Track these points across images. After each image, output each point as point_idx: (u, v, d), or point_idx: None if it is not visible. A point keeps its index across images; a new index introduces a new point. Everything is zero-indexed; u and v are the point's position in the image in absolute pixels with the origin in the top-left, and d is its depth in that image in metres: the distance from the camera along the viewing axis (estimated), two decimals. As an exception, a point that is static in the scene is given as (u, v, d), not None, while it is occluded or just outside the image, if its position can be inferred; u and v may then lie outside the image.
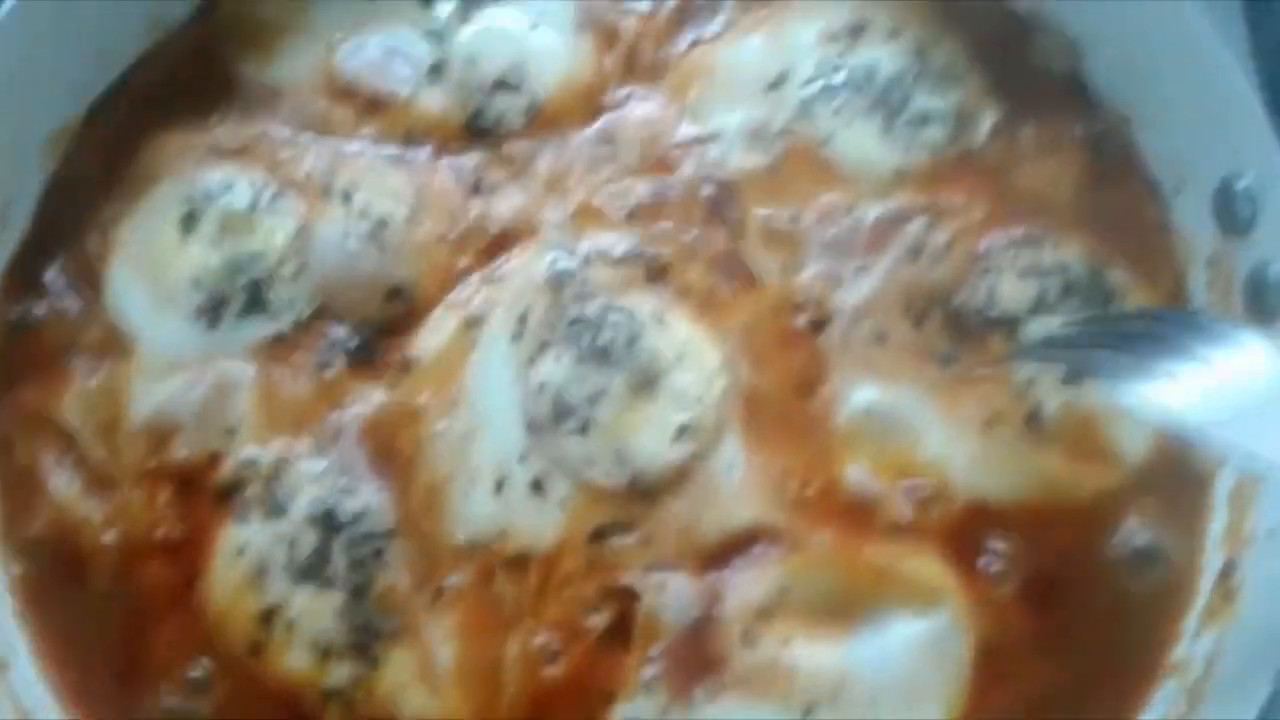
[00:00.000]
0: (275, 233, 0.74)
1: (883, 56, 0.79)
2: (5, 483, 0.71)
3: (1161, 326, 0.66)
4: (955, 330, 0.73)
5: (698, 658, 0.67)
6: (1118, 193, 0.75)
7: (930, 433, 0.71)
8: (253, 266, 0.73)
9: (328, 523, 0.68)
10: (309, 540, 0.68)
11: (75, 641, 0.69)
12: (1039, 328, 0.72)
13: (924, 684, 0.67)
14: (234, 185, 0.75)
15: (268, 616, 0.67)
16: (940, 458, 0.71)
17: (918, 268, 0.75)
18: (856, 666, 0.67)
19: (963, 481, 0.70)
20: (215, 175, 0.76)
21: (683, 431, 0.70)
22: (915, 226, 0.75)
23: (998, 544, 0.70)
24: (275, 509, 0.69)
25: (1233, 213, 0.72)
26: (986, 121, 0.79)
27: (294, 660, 0.67)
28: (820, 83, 0.78)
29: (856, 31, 0.80)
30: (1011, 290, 0.73)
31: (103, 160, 0.77)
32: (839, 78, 0.78)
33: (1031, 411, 0.71)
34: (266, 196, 0.75)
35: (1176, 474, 0.71)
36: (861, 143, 0.77)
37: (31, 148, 0.75)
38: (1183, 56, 0.73)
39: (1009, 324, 0.73)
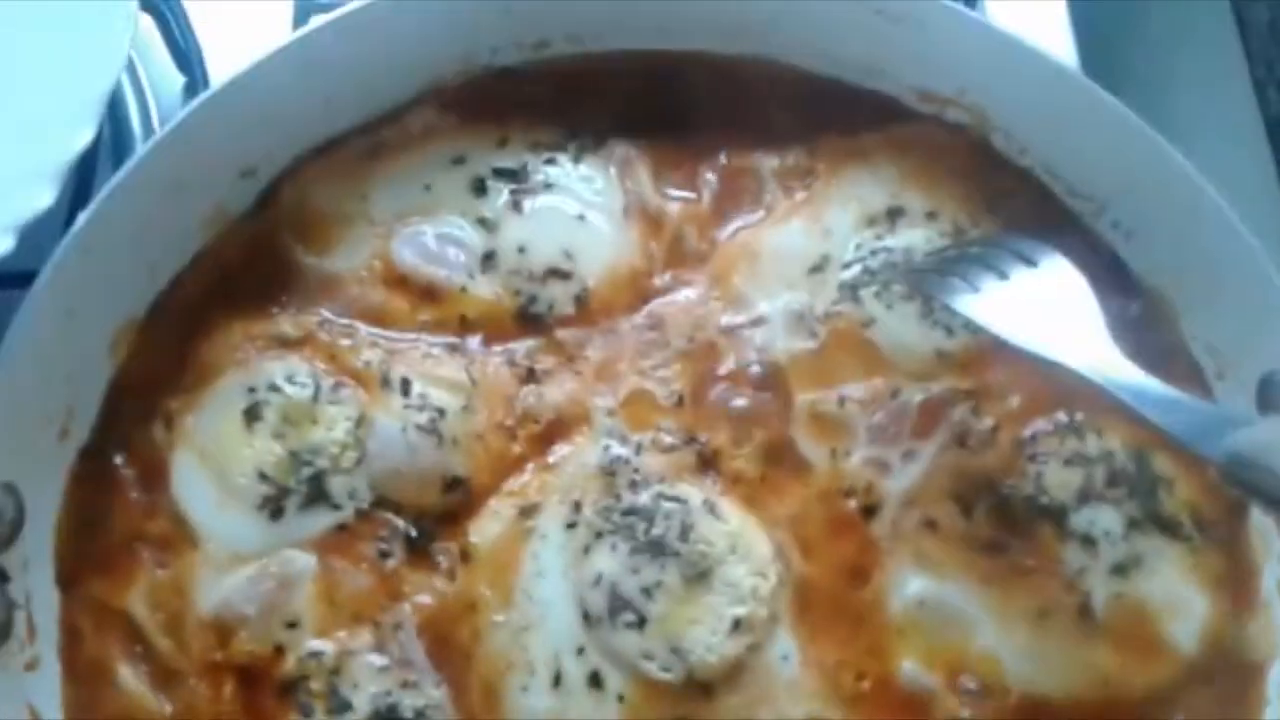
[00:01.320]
0: (336, 424, 0.76)
1: (920, 239, 0.82)
2: (75, 674, 0.72)
3: (988, 251, 0.76)
4: (1004, 519, 0.74)
5: None
6: (1159, 376, 0.77)
7: (982, 625, 0.72)
8: (315, 458, 0.75)
9: (389, 717, 0.70)
10: (372, 737, 0.70)
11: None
12: (1088, 517, 0.73)
13: None
14: (296, 376, 0.77)
15: (331, 818, 0.68)
16: (993, 651, 0.72)
17: (964, 453, 0.76)
18: None
19: (1016, 675, 0.71)
20: (278, 366, 0.78)
21: (738, 625, 0.71)
22: (960, 411, 0.77)
23: (1053, 739, 0.70)
24: (339, 705, 0.70)
25: (1276, 403, 0.74)
26: (1027, 303, 0.82)
27: None
28: (860, 266, 0.81)
29: (894, 214, 0.83)
30: (1058, 478, 0.74)
31: (167, 352, 0.80)
32: (877, 261, 0.81)
33: (1082, 603, 0.71)
34: (327, 387, 0.77)
35: (1229, 666, 0.72)
36: (903, 325, 0.79)
37: (98, 344, 0.77)
38: (1226, 250, 0.75)
39: (1057, 513, 0.74)
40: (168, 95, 1.09)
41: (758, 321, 0.80)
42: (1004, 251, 0.76)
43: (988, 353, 0.78)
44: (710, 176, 0.85)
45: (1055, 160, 0.84)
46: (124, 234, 0.77)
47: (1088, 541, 0.73)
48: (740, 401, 0.78)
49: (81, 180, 0.93)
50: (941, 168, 0.85)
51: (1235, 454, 0.61)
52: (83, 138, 0.87)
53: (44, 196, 0.85)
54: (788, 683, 0.71)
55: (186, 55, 1.06)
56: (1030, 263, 0.75)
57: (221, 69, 1.09)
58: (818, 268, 0.81)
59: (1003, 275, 0.75)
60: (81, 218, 0.72)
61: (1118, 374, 0.69)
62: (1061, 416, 0.76)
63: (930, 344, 0.78)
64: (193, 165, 0.79)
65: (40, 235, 0.89)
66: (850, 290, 0.79)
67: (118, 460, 0.77)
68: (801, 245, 0.82)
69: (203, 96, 0.78)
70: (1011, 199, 0.85)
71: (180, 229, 0.81)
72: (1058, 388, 0.78)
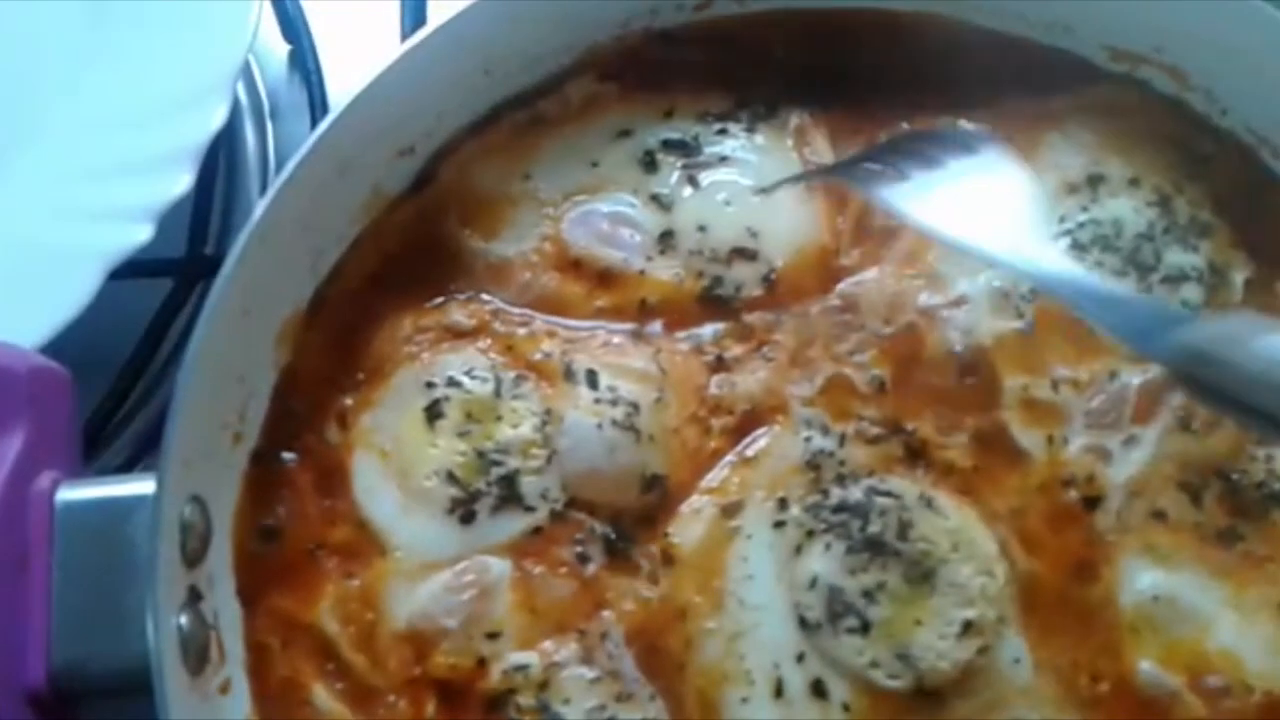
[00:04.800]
0: (523, 420, 0.72)
1: (1127, 209, 0.77)
2: (266, 694, 0.68)
3: (926, 144, 0.73)
4: (1235, 506, 0.70)
5: None
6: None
7: (1220, 620, 0.68)
8: (504, 457, 0.71)
9: (605, 735, 0.67)
10: (592, 756, 0.67)
11: None
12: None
13: None
14: (474, 369, 0.73)
15: (557, 840, 0.65)
16: (1233, 646, 0.68)
17: (1189, 439, 0.72)
18: None
19: (1258, 672, 0.67)
20: (454, 359, 0.74)
21: (968, 628, 0.67)
22: (1181, 394, 0.73)
23: (1303, 738, 0.67)
24: (552, 721, 0.68)
25: None
26: (1240, 276, 0.77)
27: None
28: (1067, 240, 0.76)
29: (1095, 182, 0.78)
30: (1290, 463, 0.71)
31: (334, 348, 0.75)
32: (1086, 235, 0.77)
33: (1326, 594, 0.69)
34: (509, 380, 0.73)
35: None
36: (1118, 305, 0.76)
37: (266, 341, 0.73)
38: None
39: (1293, 499, 0.71)
40: (274, 67, 1.05)
41: (959, 302, 0.75)
42: (940, 140, 0.73)
43: (1208, 330, 0.75)
44: (893, 145, 0.82)
45: (1261, 121, 0.79)
46: (295, 221, 0.72)
47: (1328, 530, 0.70)
48: (945, 387, 0.74)
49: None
50: (1138, 132, 0.80)
51: (1188, 349, 0.56)
52: (217, 117, 0.83)
53: (181, 180, 0.81)
54: (1021, 687, 0.67)
55: (294, 23, 1.01)
56: (968, 150, 0.72)
57: (324, 34, 1.05)
58: (1020, 243, 0.77)
59: (935, 163, 0.71)
60: (260, 206, 0.67)
61: (1052, 268, 0.65)
62: (1291, 398, 0.73)
63: (1147, 323, 0.75)
64: (358, 145, 0.74)
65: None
66: (1058, 266, 0.76)
67: (291, 464, 0.74)
68: (1000, 218, 0.78)
69: (373, 75, 0.72)
70: (1213, 163, 0.80)
71: (342, 214, 0.76)
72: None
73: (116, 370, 0.85)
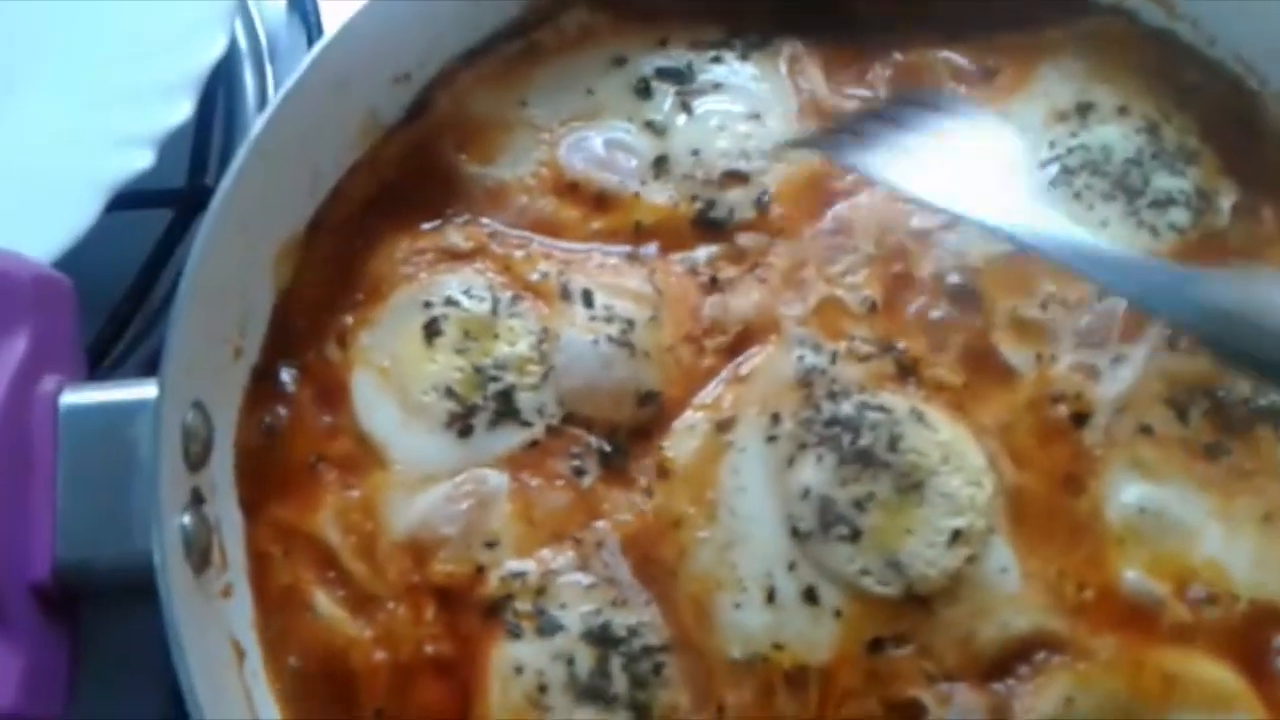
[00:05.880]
0: (519, 338, 0.73)
1: (1116, 135, 0.78)
2: (268, 601, 0.69)
3: (911, 108, 0.71)
4: (1223, 422, 0.71)
5: (991, 770, 0.66)
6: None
7: (1206, 531, 0.69)
8: (501, 373, 0.72)
9: (604, 639, 0.67)
10: (587, 658, 0.66)
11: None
12: (1310, 419, 0.71)
13: (1224, 798, 0.66)
14: (472, 289, 0.74)
15: (553, 739, 0.67)
16: (1219, 557, 0.69)
17: (1176, 357, 0.73)
18: (1153, 778, 0.66)
19: (1244, 581, 0.68)
20: (452, 280, 0.75)
21: (957, 536, 0.68)
22: (1169, 319, 0.75)
23: (1287, 645, 0.69)
24: (549, 625, 0.67)
25: None
26: (1226, 201, 0.78)
27: (582, 782, 0.66)
28: (1057, 166, 0.78)
29: (1084, 110, 0.79)
30: (1278, 379, 0.72)
31: (334, 269, 0.76)
32: (1075, 160, 0.78)
33: (1310, 504, 0.70)
34: (506, 300, 0.74)
35: None
36: (1105, 227, 0.75)
37: (265, 259, 0.74)
38: None
39: (1277, 414, 0.72)
40: (273, 11, 1.05)
41: (949, 224, 0.76)
42: (922, 107, 0.72)
43: (1196, 252, 0.75)
44: (885, 74, 0.82)
45: (1249, 50, 0.81)
46: (294, 139, 0.73)
47: (1313, 442, 0.71)
48: (936, 307, 0.75)
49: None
50: (1128, 62, 0.81)
51: (1213, 309, 0.54)
52: (216, 46, 0.84)
53: (182, 108, 0.82)
54: (1008, 595, 0.68)
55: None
56: (952, 115, 0.71)
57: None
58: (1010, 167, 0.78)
59: (919, 130, 0.70)
60: (259, 121, 0.68)
61: (1058, 234, 0.63)
62: (1278, 316, 0.74)
63: (1135, 245, 0.75)
64: (353, 66, 0.76)
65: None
66: (1047, 191, 0.76)
67: (291, 380, 0.74)
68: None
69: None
70: (1201, 92, 0.81)
71: (340, 136, 0.77)
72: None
73: (118, 300, 0.87)
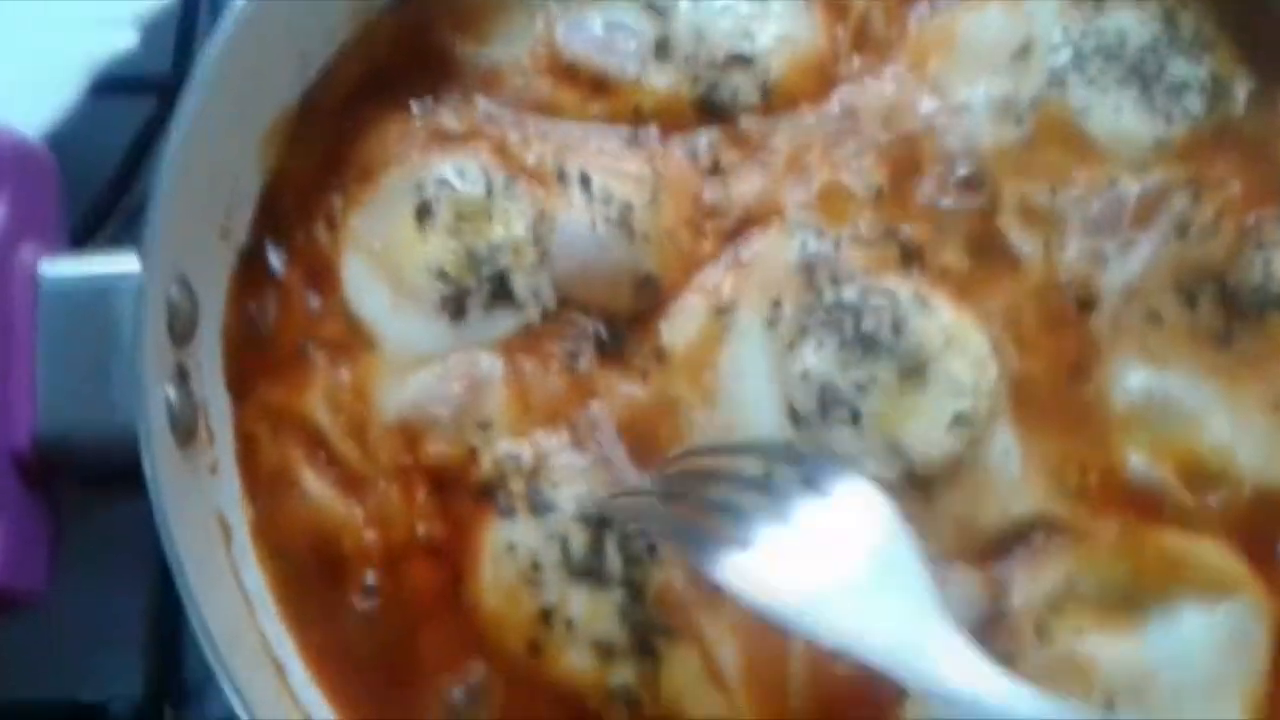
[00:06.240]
0: (514, 221, 0.71)
1: (1131, 22, 0.76)
2: (256, 483, 0.68)
3: (764, 480, 0.57)
4: (1231, 309, 0.70)
5: (988, 653, 0.65)
6: None
7: (1213, 417, 0.68)
8: (494, 256, 0.70)
9: (598, 519, 0.66)
10: (581, 537, 0.66)
11: (342, 646, 0.66)
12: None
13: (1223, 679, 0.65)
14: (465, 172, 0.72)
15: (546, 616, 0.65)
16: (1225, 443, 0.68)
17: (1186, 244, 0.71)
18: (1154, 660, 0.65)
19: (1250, 467, 0.68)
20: (445, 162, 0.72)
21: (957, 420, 0.67)
22: (1180, 201, 0.72)
23: (1292, 531, 0.68)
24: (542, 506, 0.66)
25: None
26: (1242, 90, 0.76)
27: (576, 660, 0.64)
28: (1069, 50, 0.75)
29: (1100, -4, 0.78)
30: (1288, 266, 0.71)
31: (323, 151, 0.74)
32: (1089, 45, 0.75)
33: (1321, 392, 0.69)
34: (500, 183, 0.72)
35: None
36: (1119, 113, 0.73)
37: (253, 139, 0.71)
38: None
39: (1288, 302, 0.71)
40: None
41: (958, 110, 0.74)
42: (786, 482, 0.58)
43: (1209, 140, 0.73)
44: (891, -48, 0.80)
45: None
46: (281, 15, 0.70)
47: (1324, 329, 0.69)
48: (943, 192, 0.74)
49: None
50: (1143, -53, 0.80)
51: None
52: (202, -75, 0.81)
53: (167, -12, 0.80)
54: (1009, 479, 0.67)
55: None
56: (821, 492, 0.56)
57: None
58: (1022, 53, 0.74)
59: (782, 517, 0.56)
60: (244, -2, 0.66)
61: (980, 685, 0.52)
62: (1286, 205, 0.73)
63: (1148, 131, 0.73)
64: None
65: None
66: (1060, 76, 0.74)
67: (280, 263, 0.73)
68: (1002, 29, 0.75)
69: None
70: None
71: (329, 13, 0.74)
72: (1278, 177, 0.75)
73: (101, 186, 0.85)
